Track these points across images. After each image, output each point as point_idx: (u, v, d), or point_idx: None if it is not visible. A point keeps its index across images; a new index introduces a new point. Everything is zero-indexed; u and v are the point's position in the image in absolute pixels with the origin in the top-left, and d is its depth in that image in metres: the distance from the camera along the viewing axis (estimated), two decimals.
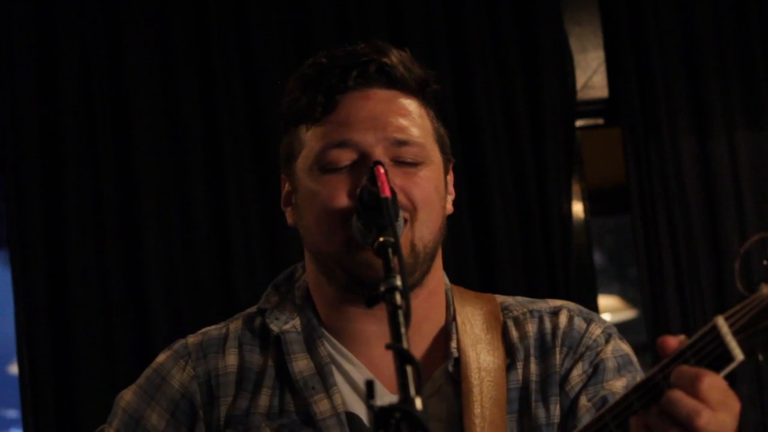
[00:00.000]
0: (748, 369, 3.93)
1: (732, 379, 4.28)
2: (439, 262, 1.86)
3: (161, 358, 1.90)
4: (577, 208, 4.09)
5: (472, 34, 4.01)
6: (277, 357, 1.83)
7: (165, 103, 3.90)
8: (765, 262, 1.36)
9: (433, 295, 1.85)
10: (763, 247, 1.37)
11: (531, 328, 1.86)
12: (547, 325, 1.87)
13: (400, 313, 1.42)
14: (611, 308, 5.54)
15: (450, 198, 1.88)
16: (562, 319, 1.87)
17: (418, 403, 1.32)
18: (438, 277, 1.87)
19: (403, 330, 1.40)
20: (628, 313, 5.55)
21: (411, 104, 1.83)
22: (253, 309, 1.93)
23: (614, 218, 5.18)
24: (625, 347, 1.88)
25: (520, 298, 1.93)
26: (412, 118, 1.81)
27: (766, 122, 4.10)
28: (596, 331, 1.87)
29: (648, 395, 1.45)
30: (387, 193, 1.61)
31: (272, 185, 3.91)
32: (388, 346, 1.38)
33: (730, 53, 4.09)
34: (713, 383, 1.41)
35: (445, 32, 4.01)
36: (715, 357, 1.41)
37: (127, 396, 1.89)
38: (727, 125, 4.06)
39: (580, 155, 4.13)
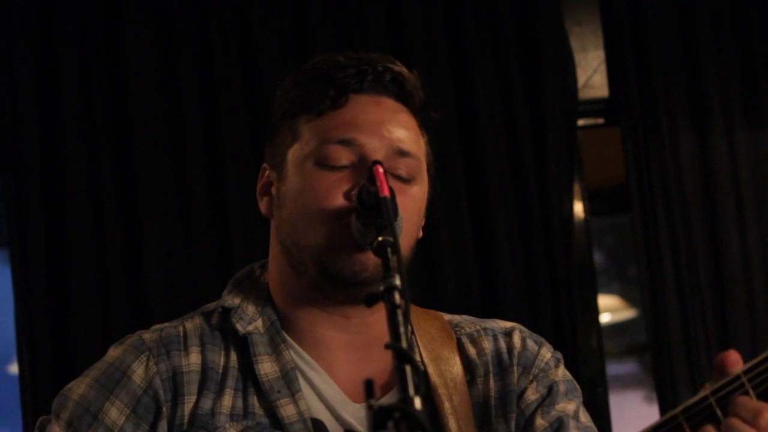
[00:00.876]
0: None
1: None
2: None
3: (116, 352, 1.83)
4: (577, 208, 4.09)
5: (472, 34, 4.01)
6: (241, 357, 1.81)
7: (165, 103, 3.90)
8: None
9: None
10: None
11: (487, 345, 1.89)
12: (502, 344, 1.89)
13: (399, 312, 1.42)
14: (611, 308, 5.54)
15: (422, 222, 1.88)
16: (516, 339, 1.90)
17: (418, 402, 1.32)
18: None
19: (402, 329, 1.40)
20: (628, 313, 5.55)
21: (413, 121, 1.84)
22: (210, 306, 1.90)
23: (614, 218, 5.18)
24: (568, 374, 1.93)
25: (466, 317, 1.95)
26: (413, 134, 1.82)
27: (766, 122, 4.10)
28: (547, 354, 1.90)
29: (699, 416, 1.52)
30: (386, 193, 1.61)
31: None
32: (387, 346, 1.38)
33: (730, 53, 4.09)
34: None
35: (445, 32, 4.01)
36: None
37: (80, 389, 1.79)
38: (727, 125, 4.06)
39: (579, 155, 4.13)
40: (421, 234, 1.87)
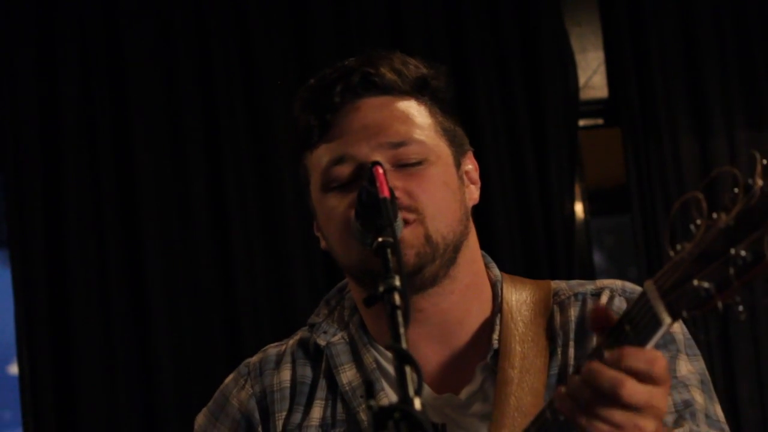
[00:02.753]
0: (748, 368, 3.93)
1: (732, 378, 4.23)
2: (471, 254, 1.87)
3: (228, 379, 1.94)
4: (577, 208, 4.09)
5: (472, 35, 4.01)
6: (327, 369, 1.86)
7: (165, 103, 3.90)
8: (697, 221, 1.35)
9: (471, 289, 1.85)
10: (691, 208, 1.36)
11: (573, 312, 1.84)
12: (589, 307, 1.84)
13: (399, 313, 1.42)
14: None
15: (474, 188, 1.91)
16: (603, 300, 1.83)
17: (417, 403, 1.32)
18: (474, 271, 1.87)
19: (402, 330, 1.40)
20: None
21: (406, 105, 1.81)
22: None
23: (614, 218, 5.18)
24: (675, 326, 1.79)
25: (573, 282, 1.90)
26: (407, 119, 1.80)
27: (766, 122, 4.10)
28: None
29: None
30: (385, 193, 1.61)
31: (272, 185, 3.93)
32: (387, 347, 1.39)
33: (730, 53, 4.09)
34: (640, 355, 1.38)
35: (445, 33, 4.02)
36: (646, 322, 1.36)
37: (200, 419, 1.94)
38: (727, 125, 4.06)
39: (580, 156, 4.13)
40: (476, 199, 1.92)
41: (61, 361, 3.76)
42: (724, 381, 3.93)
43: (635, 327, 1.37)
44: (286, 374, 1.87)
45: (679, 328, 1.82)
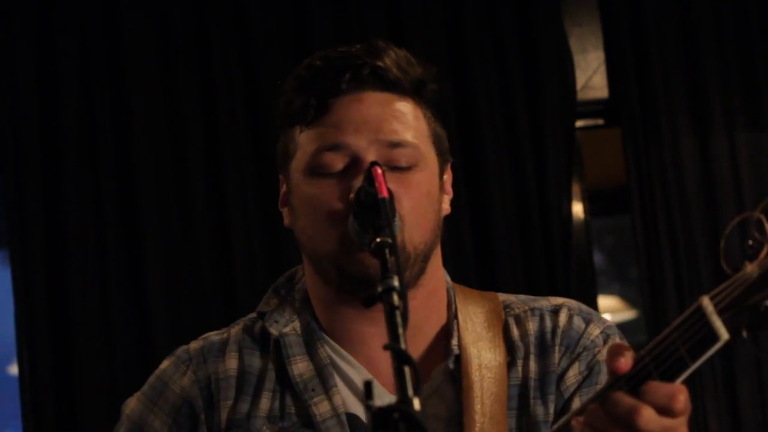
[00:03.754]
0: (749, 369, 3.93)
1: (732, 379, 4.24)
2: (436, 262, 1.85)
3: (164, 364, 1.90)
4: (577, 209, 4.09)
5: (472, 35, 4.01)
6: (277, 360, 1.83)
7: (165, 103, 3.90)
8: (750, 242, 1.35)
9: (432, 295, 1.85)
10: (747, 226, 1.37)
11: (532, 326, 1.85)
12: (548, 323, 1.85)
13: (398, 313, 1.42)
14: (611, 308, 5.54)
15: (447, 198, 1.87)
16: (562, 317, 1.86)
17: (416, 403, 1.32)
18: (437, 278, 1.87)
19: (400, 330, 1.40)
20: (628, 314, 5.55)
21: (405, 106, 1.81)
22: (254, 314, 1.93)
23: (614, 218, 5.18)
24: None
25: (522, 296, 1.92)
26: (406, 120, 1.79)
27: (766, 122, 4.10)
28: (594, 331, 1.85)
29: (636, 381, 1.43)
30: (385, 194, 1.61)
31: (272, 185, 3.93)
32: (386, 347, 1.38)
33: (730, 53, 4.09)
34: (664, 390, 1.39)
35: (445, 32, 4.02)
36: (700, 337, 1.37)
37: (132, 403, 1.89)
38: (727, 125, 4.06)
39: (580, 156, 4.13)
40: (448, 210, 1.86)
41: (61, 361, 3.76)
42: (725, 381, 3.93)
43: (687, 340, 1.37)
44: (232, 362, 1.84)
45: None
